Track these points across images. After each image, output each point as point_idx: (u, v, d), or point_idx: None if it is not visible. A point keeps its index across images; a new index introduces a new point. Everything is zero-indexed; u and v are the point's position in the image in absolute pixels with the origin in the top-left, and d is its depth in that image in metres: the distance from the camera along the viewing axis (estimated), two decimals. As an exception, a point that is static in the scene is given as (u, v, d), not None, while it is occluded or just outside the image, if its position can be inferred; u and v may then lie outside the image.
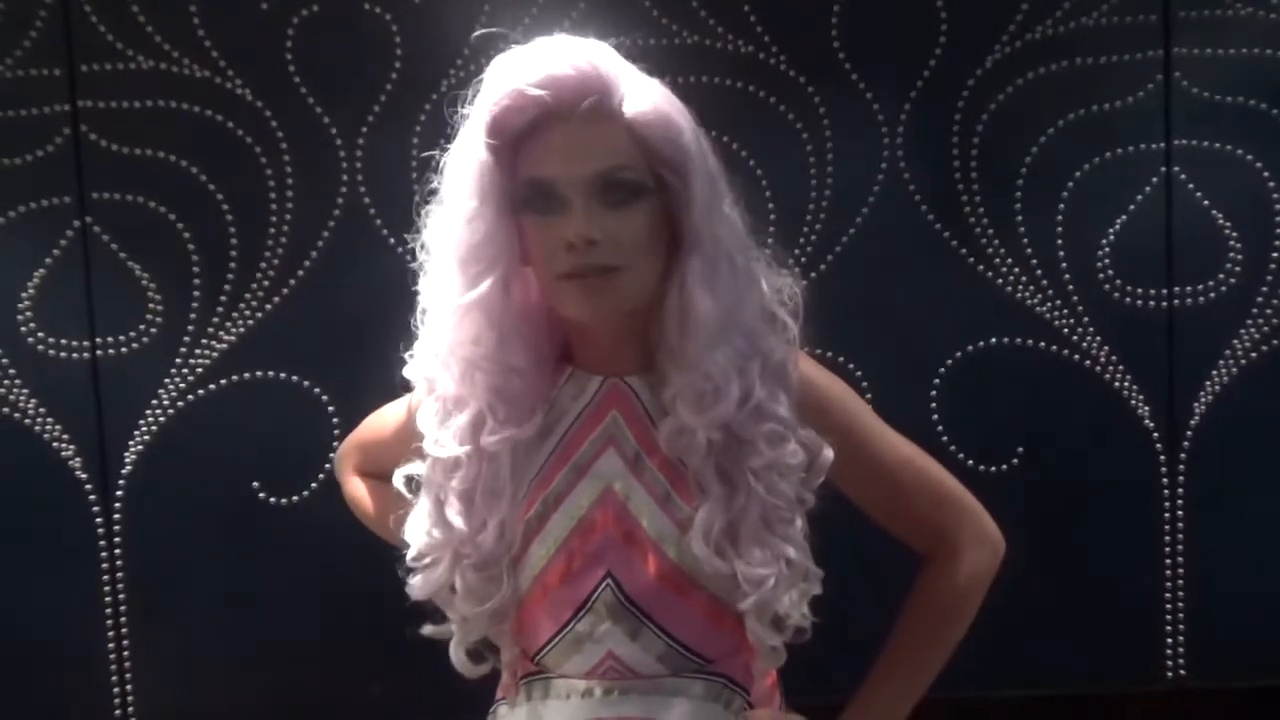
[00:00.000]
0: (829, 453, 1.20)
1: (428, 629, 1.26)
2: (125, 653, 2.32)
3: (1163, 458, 2.33)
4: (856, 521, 1.28)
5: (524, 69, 1.12)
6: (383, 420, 1.41)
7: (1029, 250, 2.31)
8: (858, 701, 1.27)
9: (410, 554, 1.23)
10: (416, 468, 1.24)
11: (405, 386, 1.28)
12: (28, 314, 2.26)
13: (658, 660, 1.20)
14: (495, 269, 1.15)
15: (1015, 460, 2.33)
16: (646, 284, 1.16)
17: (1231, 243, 2.31)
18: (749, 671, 1.25)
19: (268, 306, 2.29)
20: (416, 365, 1.23)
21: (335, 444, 2.27)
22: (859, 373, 2.28)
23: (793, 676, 1.28)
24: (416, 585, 1.23)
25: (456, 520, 1.19)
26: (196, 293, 2.28)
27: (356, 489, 1.46)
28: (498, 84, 1.13)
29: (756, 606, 1.17)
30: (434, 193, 1.19)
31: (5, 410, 2.27)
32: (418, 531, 1.23)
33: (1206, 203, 2.31)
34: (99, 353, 2.28)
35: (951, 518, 1.29)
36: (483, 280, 1.15)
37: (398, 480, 1.26)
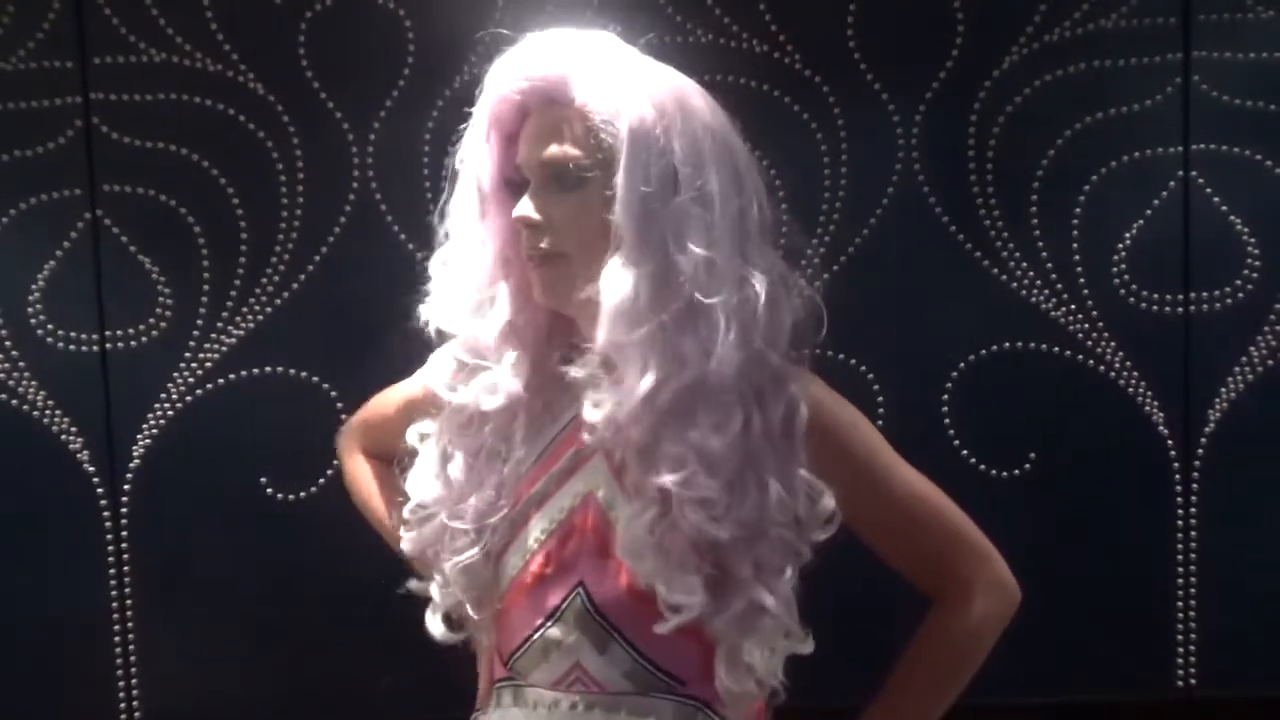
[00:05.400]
0: (829, 501, 1.14)
1: (412, 584, 1.27)
2: (131, 645, 2.32)
3: (1176, 464, 2.31)
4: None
5: (509, 65, 1.17)
6: (389, 398, 1.41)
7: (1044, 254, 2.29)
8: None
9: (408, 507, 1.25)
10: (429, 425, 1.25)
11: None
12: (37, 306, 2.26)
13: (625, 677, 1.17)
14: (489, 233, 1.20)
15: (1027, 465, 2.31)
16: (594, 273, 1.13)
17: (1249, 248, 2.29)
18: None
19: (277, 301, 2.28)
20: (431, 317, 1.24)
21: (343, 440, 2.27)
22: (870, 376, 2.26)
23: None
24: (409, 540, 1.25)
25: (457, 475, 1.21)
26: (206, 287, 2.28)
27: (359, 468, 1.46)
28: (491, 81, 1.19)
29: (726, 644, 1.14)
30: (446, 187, 1.23)
31: (14, 403, 2.26)
32: (419, 484, 1.24)
33: (1224, 208, 2.28)
34: (108, 346, 2.27)
35: (965, 560, 1.22)
36: (479, 244, 1.20)
37: (412, 436, 1.27)
